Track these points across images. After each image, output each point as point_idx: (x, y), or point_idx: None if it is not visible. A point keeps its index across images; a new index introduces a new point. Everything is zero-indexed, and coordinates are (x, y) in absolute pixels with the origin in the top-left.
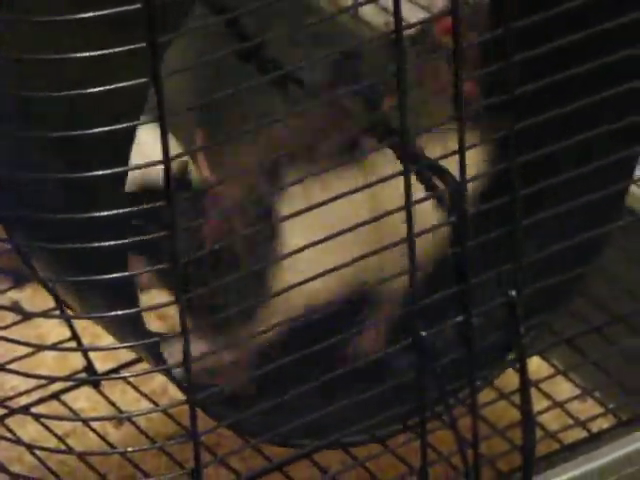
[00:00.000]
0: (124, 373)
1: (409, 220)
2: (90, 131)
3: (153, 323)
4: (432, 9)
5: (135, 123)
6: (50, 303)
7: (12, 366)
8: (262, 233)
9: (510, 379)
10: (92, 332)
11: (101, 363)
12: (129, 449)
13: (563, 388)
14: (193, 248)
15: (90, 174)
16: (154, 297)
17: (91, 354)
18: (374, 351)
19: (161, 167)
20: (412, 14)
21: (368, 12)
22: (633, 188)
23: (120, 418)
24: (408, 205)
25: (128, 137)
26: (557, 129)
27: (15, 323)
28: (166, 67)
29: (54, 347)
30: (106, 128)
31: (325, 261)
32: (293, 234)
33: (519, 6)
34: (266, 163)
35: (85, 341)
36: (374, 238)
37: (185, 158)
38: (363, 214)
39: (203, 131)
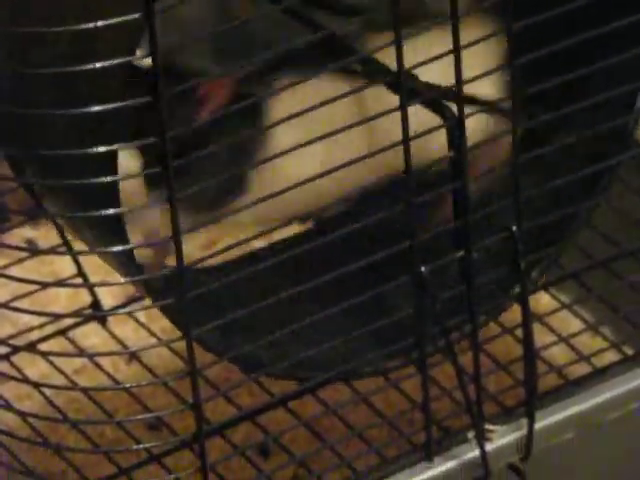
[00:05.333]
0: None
1: (407, 156)
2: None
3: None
4: None
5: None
6: None
7: (24, 302)
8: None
9: (517, 315)
10: (106, 269)
11: (112, 300)
12: (127, 385)
13: (572, 324)
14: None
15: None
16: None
17: (102, 291)
18: None
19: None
20: None
21: None
22: None
23: (122, 354)
24: (405, 141)
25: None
26: (558, 63)
27: (22, 260)
28: None
29: (52, 283)
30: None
31: (317, 160)
32: (284, 131)
33: None
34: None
35: (97, 278)
36: (366, 146)
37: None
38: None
39: None
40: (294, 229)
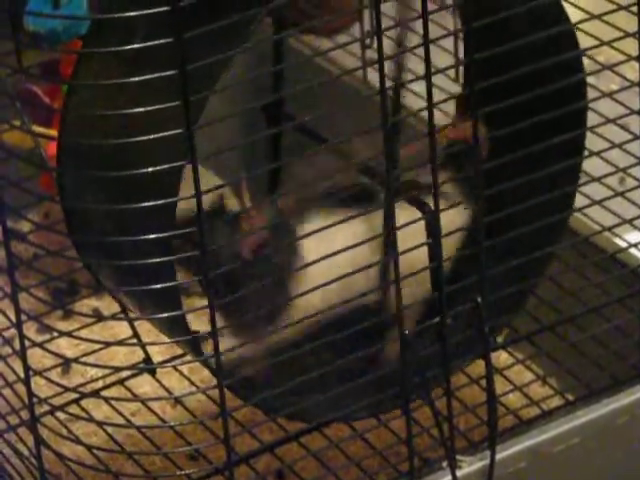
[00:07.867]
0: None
1: (390, 240)
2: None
3: (194, 323)
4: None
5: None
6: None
7: (91, 358)
8: (284, 250)
9: (481, 368)
10: (155, 332)
11: (160, 356)
12: (172, 424)
13: (525, 376)
14: (229, 261)
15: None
16: (195, 302)
17: (152, 349)
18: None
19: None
20: None
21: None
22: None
23: (168, 399)
24: (389, 229)
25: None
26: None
27: (89, 324)
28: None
29: (113, 343)
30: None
31: (334, 274)
32: (310, 252)
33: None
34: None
35: (148, 339)
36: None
37: (220, 191)
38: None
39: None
40: None
